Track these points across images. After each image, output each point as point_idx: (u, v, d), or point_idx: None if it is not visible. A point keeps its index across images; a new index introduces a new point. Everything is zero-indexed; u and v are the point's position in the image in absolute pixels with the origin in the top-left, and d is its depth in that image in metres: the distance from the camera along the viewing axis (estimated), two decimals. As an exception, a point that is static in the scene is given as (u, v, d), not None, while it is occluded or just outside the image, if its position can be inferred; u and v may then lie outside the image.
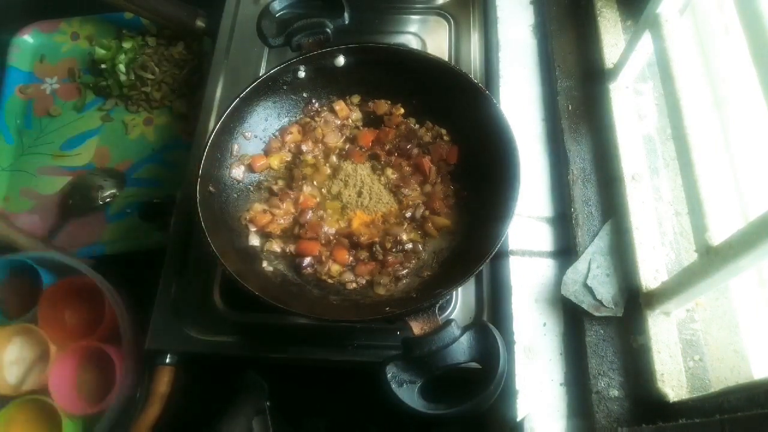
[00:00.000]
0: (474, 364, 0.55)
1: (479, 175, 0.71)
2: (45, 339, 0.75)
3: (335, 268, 0.69)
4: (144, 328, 0.71)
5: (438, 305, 0.58)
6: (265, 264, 0.69)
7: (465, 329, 0.55)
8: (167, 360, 0.70)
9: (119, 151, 0.98)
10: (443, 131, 0.75)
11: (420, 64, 0.74)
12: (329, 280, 0.69)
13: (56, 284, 0.78)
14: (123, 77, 1.00)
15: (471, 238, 0.68)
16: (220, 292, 0.73)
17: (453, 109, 0.73)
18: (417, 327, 0.56)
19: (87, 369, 0.78)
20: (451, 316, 0.69)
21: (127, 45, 1.03)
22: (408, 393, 0.53)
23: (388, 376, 0.54)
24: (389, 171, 0.74)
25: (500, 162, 0.66)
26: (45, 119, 1.02)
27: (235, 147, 0.73)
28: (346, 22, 0.74)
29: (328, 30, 0.73)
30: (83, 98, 1.03)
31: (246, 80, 0.72)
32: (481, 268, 0.60)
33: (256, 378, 0.72)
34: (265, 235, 0.71)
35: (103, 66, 1.01)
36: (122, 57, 1.01)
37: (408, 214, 0.71)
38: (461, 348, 0.54)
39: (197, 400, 0.75)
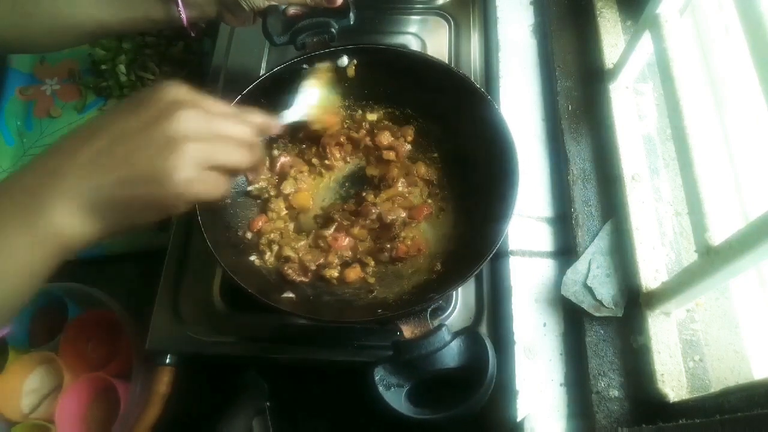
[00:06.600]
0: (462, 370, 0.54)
1: (477, 177, 0.70)
2: (61, 368, 0.74)
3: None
4: (144, 327, 0.71)
5: (430, 309, 0.58)
6: (258, 262, 0.69)
7: (455, 335, 0.55)
8: (167, 360, 0.70)
9: (120, 152, 0.98)
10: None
11: (423, 65, 0.73)
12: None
13: (82, 316, 0.77)
14: (123, 78, 1.00)
15: (467, 244, 0.68)
16: (220, 292, 0.72)
17: (452, 110, 0.73)
18: (408, 330, 0.56)
19: (97, 403, 0.77)
20: (451, 317, 0.69)
21: (127, 45, 1.03)
22: (395, 396, 0.53)
23: (377, 378, 0.53)
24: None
25: (499, 165, 0.65)
26: (45, 120, 1.02)
27: None
28: (352, 22, 0.74)
29: (333, 30, 0.73)
30: (84, 99, 1.03)
31: (246, 80, 0.71)
32: (474, 274, 0.60)
33: (256, 378, 0.72)
34: (260, 235, 0.71)
35: (103, 67, 1.01)
36: (122, 57, 1.01)
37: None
38: (451, 353, 0.54)
39: (197, 400, 0.75)
